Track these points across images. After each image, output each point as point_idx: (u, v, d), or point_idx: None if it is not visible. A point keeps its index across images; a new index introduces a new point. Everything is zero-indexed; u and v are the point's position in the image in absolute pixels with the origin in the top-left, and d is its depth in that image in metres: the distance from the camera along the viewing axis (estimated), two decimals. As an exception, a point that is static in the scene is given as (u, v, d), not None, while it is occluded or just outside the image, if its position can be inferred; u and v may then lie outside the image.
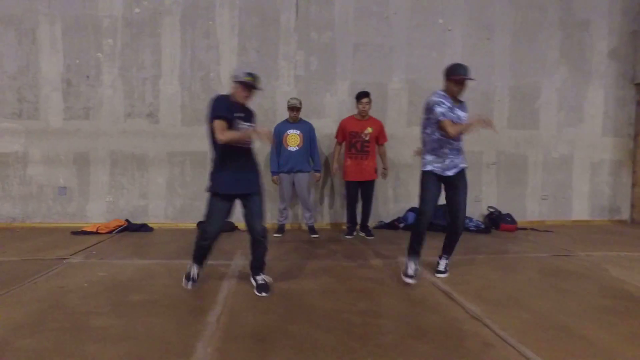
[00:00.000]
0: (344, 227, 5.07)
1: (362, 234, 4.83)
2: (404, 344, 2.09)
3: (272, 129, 4.62)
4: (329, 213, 5.54)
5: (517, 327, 2.28)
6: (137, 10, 5.08)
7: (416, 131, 5.55)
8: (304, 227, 5.13)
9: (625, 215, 6.15)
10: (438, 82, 5.51)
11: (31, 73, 5.01)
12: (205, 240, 2.86)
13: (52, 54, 5.01)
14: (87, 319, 2.36)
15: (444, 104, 2.96)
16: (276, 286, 2.93)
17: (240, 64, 5.25)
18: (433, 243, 4.46)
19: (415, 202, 5.54)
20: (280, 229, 4.90)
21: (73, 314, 2.42)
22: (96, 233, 4.67)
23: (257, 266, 2.95)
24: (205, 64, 5.23)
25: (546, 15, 5.78)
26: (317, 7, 5.36)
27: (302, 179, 4.74)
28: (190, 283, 2.92)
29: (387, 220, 5.52)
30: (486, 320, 2.36)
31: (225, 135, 2.60)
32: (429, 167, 3.12)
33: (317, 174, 4.88)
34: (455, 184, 3.12)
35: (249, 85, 2.70)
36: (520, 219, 5.73)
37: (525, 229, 5.47)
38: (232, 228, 5.06)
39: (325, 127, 5.28)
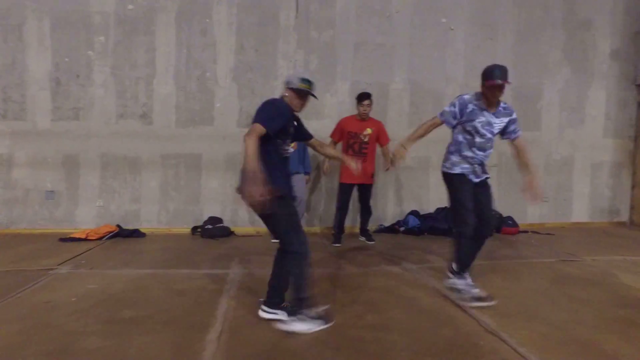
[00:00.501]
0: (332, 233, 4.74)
1: (362, 239, 4.67)
2: (420, 363, 1.95)
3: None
4: (322, 217, 5.38)
5: (536, 342, 2.16)
6: (130, 6, 4.88)
7: (417, 133, 5.48)
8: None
9: (624, 217, 6.10)
10: (440, 83, 5.49)
11: (17, 71, 4.78)
12: (306, 252, 2.36)
13: (40, 52, 4.79)
14: (74, 340, 2.17)
15: (454, 105, 2.81)
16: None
17: (237, 63, 5.09)
18: (434, 248, 4.36)
19: (415, 206, 5.47)
20: None
21: (59, 335, 2.24)
22: (85, 239, 4.46)
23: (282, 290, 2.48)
24: (202, 63, 5.05)
25: (549, 14, 5.69)
26: (318, 4, 5.21)
27: (299, 181, 4.60)
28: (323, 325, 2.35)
29: (387, 224, 5.40)
30: (503, 335, 2.24)
31: (250, 142, 2.17)
32: (457, 169, 2.85)
33: (307, 177, 4.72)
34: (482, 188, 2.91)
35: (305, 92, 2.42)
36: (521, 221, 5.64)
37: (526, 232, 5.39)
38: (229, 233, 4.90)
39: (325, 128, 5.09)
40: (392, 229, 5.32)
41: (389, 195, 5.50)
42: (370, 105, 4.39)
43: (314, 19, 5.20)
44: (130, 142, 4.97)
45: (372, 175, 4.52)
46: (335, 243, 4.49)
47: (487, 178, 2.96)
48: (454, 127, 2.92)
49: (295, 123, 2.57)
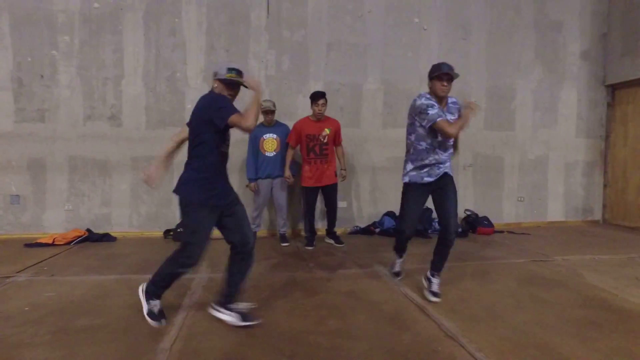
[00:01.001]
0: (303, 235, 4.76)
1: (330, 241, 4.61)
2: (374, 371, 1.92)
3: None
4: (289, 220, 5.30)
5: (495, 346, 2.15)
6: (96, 5, 4.75)
7: (391, 133, 5.47)
8: (275, 234, 4.92)
9: (597, 215, 6.19)
10: (414, 83, 5.48)
11: (-23, 72, 4.62)
12: (187, 267, 2.37)
13: (0, 51, 4.63)
14: (18, 353, 2.08)
15: (435, 105, 2.72)
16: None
17: (208, 64, 5.00)
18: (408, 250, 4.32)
19: (391, 206, 5.46)
20: (283, 237, 4.68)
21: (3, 347, 2.14)
22: (52, 245, 4.34)
23: (240, 290, 2.50)
24: (171, 64, 4.95)
25: (521, 15, 5.74)
26: (289, 4, 5.15)
27: (281, 185, 4.55)
28: (160, 322, 2.41)
29: (363, 225, 5.38)
30: (462, 339, 2.22)
31: (250, 115, 2.16)
32: (406, 179, 2.96)
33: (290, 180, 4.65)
34: (442, 189, 2.87)
35: (234, 83, 2.34)
36: (497, 221, 5.68)
37: (502, 232, 5.42)
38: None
39: (299, 130, 5.08)
40: (367, 230, 5.30)
41: (365, 196, 5.48)
42: (325, 104, 4.31)
43: (286, 19, 5.14)
44: (99, 144, 4.84)
45: (336, 174, 4.48)
46: (308, 246, 4.43)
47: (447, 172, 2.89)
48: (409, 134, 2.90)
49: None
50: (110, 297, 2.89)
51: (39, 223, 4.81)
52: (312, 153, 4.33)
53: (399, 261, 3.31)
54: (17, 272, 3.44)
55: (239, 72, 2.36)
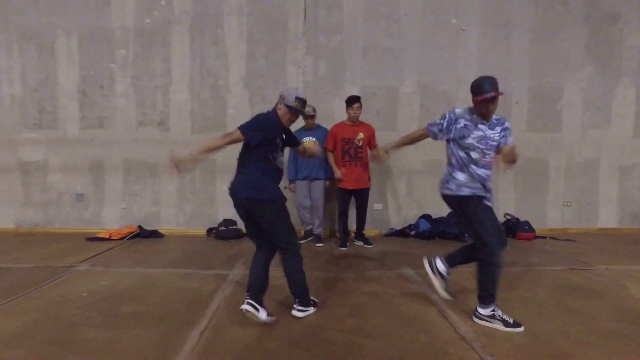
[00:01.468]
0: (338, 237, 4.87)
1: (360, 243, 4.70)
2: (382, 368, 2.00)
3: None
4: (326, 221, 5.43)
5: (509, 353, 2.14)
6: (147, 20, 5.20)
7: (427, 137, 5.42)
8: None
9: (659, 222, 5.71)
10: (451, 85, 5.41)
11: (50, 85, 5.24)
12: (301, 260, 2.67)
13: (69, 66, 5.22)
14: (76, 331, 2.41)
15: (443, 118, 2.64)
16: (269, 300, 2.84)
17: (248, 71, 5.28)
18: (439, 253, 4.30)
19: (426, 209, 5.42)
20: (318, 238, 4.82)
21: (65, 326, 2.49)
22: (109, 239, 4.82)
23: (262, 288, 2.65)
24: (214, 72, 5.29)
25: (569, 10, 5.46)
26: (326, 10, 5.30)
27: (319, 186, 4.71)
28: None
29: (398, 228, 5.39)
30: (475, 344, 2.23)
31: (217, 139, 2.47)
32: (467, 192, 2.58)
33: (328, 182, 4.81)
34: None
35: (297, 111, 2.61)
36: (540, 226, 5.46)
37: (544, 237, 5.19)
38: (240, 235, 5.08)
39: (333, 133, 5.21)
40: (402, 233, 5.32)
41: (401, 198, 5.49)
42: (360, 108, 4.43)
43: (322, 25, 5.29)
44: (149, 148, 5.30)
45: (369, 178, 4.56)
46: (341, 247, 4.56)
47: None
48: (447, 143, 2.73)
49: (284, 136, 2.70)
50: (153, 288, 3.20)
51: (98, 219, 5.36)
52: (347, 156, 4.47)
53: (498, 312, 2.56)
54: (79, 263, 3.88)
55: (304, 103, 2.63)
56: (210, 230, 5.26)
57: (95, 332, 2.41)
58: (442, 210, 5.43)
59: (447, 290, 2.84)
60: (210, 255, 4.26)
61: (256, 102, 5.31)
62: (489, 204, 2.60)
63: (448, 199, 2.68)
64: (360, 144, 4.47)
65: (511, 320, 2.46)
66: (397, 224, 5.46)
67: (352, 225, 4.83)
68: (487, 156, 2.58)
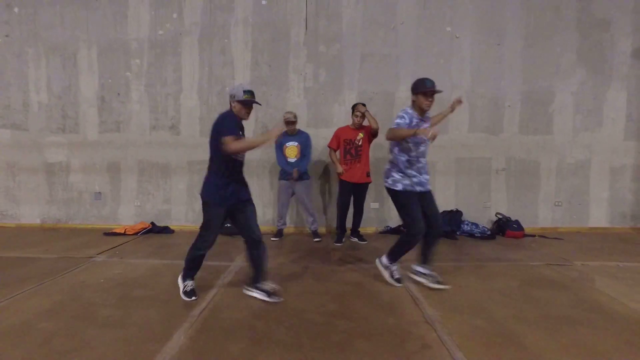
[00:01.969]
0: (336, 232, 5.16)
1: (355, 239, 5.03)
2: (350, 342, 2.33)
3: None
4: (325, 219, 5.76)
5: (464, 333, 2.44)
6: (160, 32, 5.63)
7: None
8: (308, 231, 5.42)
9: (651, 222, 5.86)
10: (446, 90, 5.66)
11: (72, 92, 5.72)
12: (203, 250, 3.00)
13: (89, 75, 5.69)
14: (95, 309, 2.82)
15: (404, 117, 3.10)
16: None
17: (253, 78, 5.66)
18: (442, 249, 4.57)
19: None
20: (279, 232, 5.23)
21: (86, 305, 2.90)
22: (123, 234, 5.26)
23: (261, 271, 3.06)
24: (221, 79, 5.68)
25: (561, 17, 5.66)
26: (326, 21, 5.63)
27: (302, 186, 5.05)
28: (192, 298, 3.02)
29: (393, 226, 5.69)
30: (437, 325, 2.54)
31: (236, 144, 2.70)
32: (400, 187, 3.20)
33: (297, 171, 4.91)
34: (428, 197, 3.28)
35: (249, 102, 2.90)
36: (532, 225, 5.68)
37: (533, 235, 5.41)
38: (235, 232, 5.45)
39: (333, 136, 5.54)
40: (397, 230, 5.61)
41: (395, 198, 5.78)
42: (363, 115, 4.76)
43: (322, 34, 5.63)
44: (161, 150, 5.73)
45: (368, 174, 4.90)
46: (337, 242, 4.90)
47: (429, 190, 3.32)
48: (392, 147, 3.25)
49: (241, 133, 2.99)
50: (160, 276, 3.59)
51: (114, 216, 5.82)
52: (348, 155, 4.86)
53: (397, 267, 3.42)
54: (97, 254, 4.32)
55: (253, 93, 2.94)
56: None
57: (110, 310, 2.81)
58: (435, 209, 5.71)
59: (439, 281, 3.27)
60: (216, 249, 4.59)
61: (260, 107, 5.68)
62: (422, 189, 3.23)
63: (387, 190, 3.33)
64: (360, 143, 4.83)
65: (398, 276, 3.36)
66: (393, 222, 5.76)
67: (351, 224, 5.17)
68: (423, 146, 3.19)
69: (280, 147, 5.04)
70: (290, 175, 4.98)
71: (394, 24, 5.64)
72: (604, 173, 5.81)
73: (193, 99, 5.70)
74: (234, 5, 5.60)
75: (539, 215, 5.81)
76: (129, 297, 3.07)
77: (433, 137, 2.82)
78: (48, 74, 5.72)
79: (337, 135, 4.94)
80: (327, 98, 5.70)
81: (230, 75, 5.67)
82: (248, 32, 5.64)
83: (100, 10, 5.64)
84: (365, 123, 4.89)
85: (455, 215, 5.61)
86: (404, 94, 5.68)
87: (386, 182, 3.32)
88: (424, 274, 3.31)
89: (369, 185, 4.98)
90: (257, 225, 3.06)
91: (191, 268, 3.10)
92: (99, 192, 5.81)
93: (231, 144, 2.71)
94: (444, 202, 5.72)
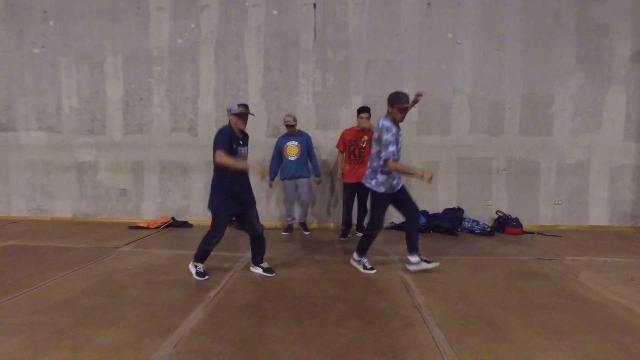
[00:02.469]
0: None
1: (359, 234, 5.35)
2: (344, 319, 2.69)
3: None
4: (332, 215, 6.12)
5: (446, 315, 2.76)
6: (179, 41, 6.07)
7: (425, 139, 6.02)
8: (315, 226, 5.79)
9: (651, 221, 6.02)
10: (448, 94, 5.96)
11: (100, 97, 6.22)
12: (212, 245, 3.56)
13: (115, 81, 6.18)
14: (125, 290, 3.24)
15: (390, 131, 3.47)
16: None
17: (265, 83, 6.04)
18: (427, 243, 4.92)
19: (424, 206, 6.00)
20: (289, 228, 5.62)
21: (117, 287, 3.33)
22: (147, 228, 5.72)
23: (261, 255, 3.72)
24: (236, 84, 6.09)
25: (560, 22, 5.86)
26: (333, 29, 5.97)
27: (304, 183, 5.44)
28: (205, 277, 3.55)
29: (397, 222, 6.00)
30: (423, 308, 2.87)
31: (222, 159, 3.22)
32: (382, 189, 3.64)
33: (318, 178, 5.51)
34: (404, 193, 3.77)
35: (244, 114, 3.39)
36: (532, 223, 5.92)
37: (532, 233, 5.65)
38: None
39: (339, 138, 5.88)
40: (401, 227, 5.92)
41: (399, 196, 6.09)
42: (368, 118, 5.07)
43: (330, 42, 5.97)
44: (181, 150, 6.18)
45: None
46: (342, 237, 5.26)
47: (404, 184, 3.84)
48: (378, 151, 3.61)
49: (241, 142, 3.47)
50: (180, 264, 4.00)
51: (138, 211, 6.30)
52: (352, 155, 5.19)
53: (364, 260, 3.87)
54: (124, 245, 4.78)
55: (247, 106, 3.42)
56: (231, 222, 6.05)
57: (138, 291, 3.23)
58: (437, 206, 6.01)
59: (427, 260, 3.77)
60: (230, 241, 5.03)
61: (272, 110, 6.07)
62: (398, 187, 3.73)
63: (367, 189, 3.76)
64: (364, 145, 5.16)
65: (369, 266, 3.78)
66: (397, 219, 6.07)
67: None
68: (399, 152, 3.63)
69: (279, 147, 5.42)
70: (291, 175, 5.37)
71: (398, 32, 5.94)
72: (604, 173, 5.99)
73: (210, 103, 6.12)
74: (247, 15, 5.99)
75: (539, 213, 6.03)
76: (154, 281, 3.49)
77: (429, 179, 3.37)
78: (78, 80, 6.24)
79: (343, 137, 5.28)
80: (334, 101, 6.05)
81: (244, 81, 6.08)
82: (260, 40, 6.02)
83: (125, 22, 6.11)
84: (366, 124, 5.21)
85: (457, 213, 5.89)
86: (408, 98, 5.97)
87: (370, 183, 3.70)
88: (415, 263, 3.68)
89: None
90: (259, 223, 3.60)
91: (200, 258, 3.63)
92: (124, 189, 6.30)
93: (218, 157, 3.23)
94: (446, 200, 6.01)
